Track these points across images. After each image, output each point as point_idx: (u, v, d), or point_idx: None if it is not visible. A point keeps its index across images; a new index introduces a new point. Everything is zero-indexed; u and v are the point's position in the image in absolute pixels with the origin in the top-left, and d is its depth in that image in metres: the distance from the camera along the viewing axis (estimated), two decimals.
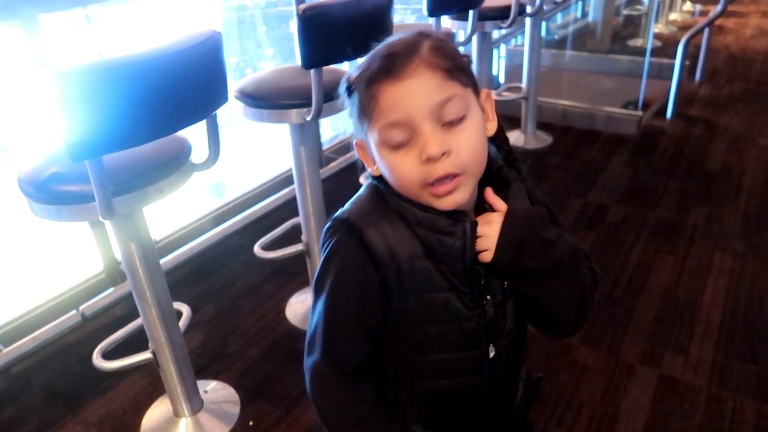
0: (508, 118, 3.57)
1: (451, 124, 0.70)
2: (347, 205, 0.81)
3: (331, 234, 0.79)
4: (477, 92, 0.75)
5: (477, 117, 0.73)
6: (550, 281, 0.77)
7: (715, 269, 2.20)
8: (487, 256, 0.76)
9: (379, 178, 0.79)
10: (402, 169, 0.71)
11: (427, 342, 0.81)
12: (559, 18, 5.37)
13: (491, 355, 0.83)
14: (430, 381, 0.85)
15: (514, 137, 3.39)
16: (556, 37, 5.19)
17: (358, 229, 0.76)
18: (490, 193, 0.79)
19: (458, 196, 0.73)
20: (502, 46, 4.54)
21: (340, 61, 1.50)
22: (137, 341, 1.68)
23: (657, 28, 5.34)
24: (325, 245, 0.80)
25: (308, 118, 1.60)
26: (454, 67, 0.71)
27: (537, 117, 3.41)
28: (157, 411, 1.75)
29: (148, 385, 1.85)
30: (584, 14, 5.46)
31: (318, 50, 1.44)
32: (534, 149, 3.30)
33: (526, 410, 0.97)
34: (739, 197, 2.68)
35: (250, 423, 1.70)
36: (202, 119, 1.21)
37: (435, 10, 1.96)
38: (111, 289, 2.06)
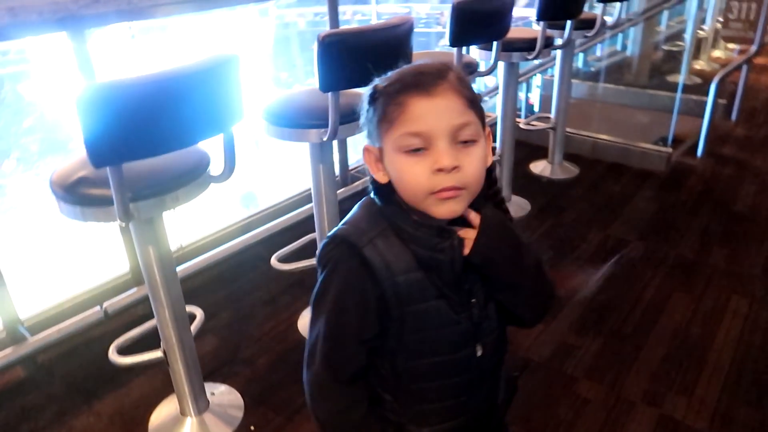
0: (537, 147, 3.59)
1: (464, 144, 0.78)
2: (343, 223, 0.87)
3: (329, 251, 0.86)
4: (483, 128, 0.83)
5: (483, 146, 0.82)
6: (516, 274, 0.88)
7: (730, 312, 2.16)
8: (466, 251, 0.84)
9: (378, 194, 0.86)
10: (412, 175, 0.78)
11: (423, 347, 0.88)
12: (598, 50, 5.37)
13: (479, 353, 0.90)
14: (427, 382, 0.91)
15: (541, 167, 3.40)
16: (592, 69, 5.19)
17: (357, 247, 0.83)
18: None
19: (457, 207, 0.80)
20: (538, 75, 4.57)
21: (357, 86, 1.57)
22: (153, 340, 1.77)
23: (698, 64, 5.28)
24: (324, 262, 0.86)
25: (324, 139, 1.67)
26: (473, 99, 0.81)
27: (566, 148, 3.43)
28: (166, 409, 1.83)
29: (160, 383, 1.92)
30: (624, 48, 5.44)
31: (335, 75, 1.51)
32: (559, 179, 3.31)
33: (506, 408, 1.04)
34: (765, 241, 2.63)
35: (252, 428, 1.76)
36: (217, 134, 1.30)
37: (458, 41, 2.02)
38: (134, 289, 2.16)
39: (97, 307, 2.03)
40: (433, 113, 0.76)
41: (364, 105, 0.84)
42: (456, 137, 0.77)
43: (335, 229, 0.87)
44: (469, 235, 0.84)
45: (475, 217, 0.85)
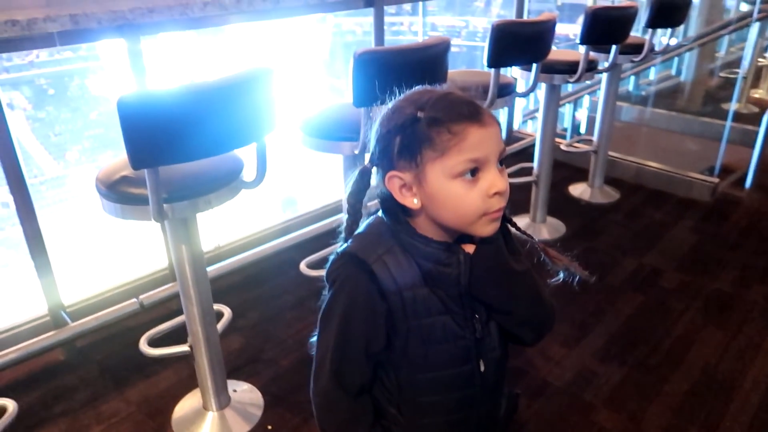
0: (578, 169, 3.56)
1: (502, 168, 0.84)
2: (353, 240, 0.91)
3: (338, 267, 0.90)
4: None
5: None
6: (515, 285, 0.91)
7: (764, 351, 2.09)
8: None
9: (386, 213, 0.90)
10: (470, 199, 0.81)
11: (428, 361, 0.92)
12: (652, 73, 5.26)
13: (482, 369, 0.94)
14: (431, 395, 0.95)
15: (580, 190, 3.37)
16: (643, 93, 5.08)
17: (366, 263, 0.87)
18: None
19: (498, 224, 0.85)
20: (586, 97, 4.52)
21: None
22: (183, 334, 1.85)
23: (758, 93, 5.11)
24: (333, 278, 0.90)
25: (356, 152, 1.72)
26: None
27: (608, 172, 3.38)
28: (189, 402, 1.90)
29: (186, 376, 2.00)
30: (679, 72, 5.31)
31: (368, 92, 1.56)
32: (598, 203, 3.26)
33: (507, 425, 1.07)
34: None
35: (269, 427, 1.81)
36: (250, 143, 1.36)
37: (496, 63, 2.04)
38: (170, 284, 2.26)
39: (134, 299, 2.14)
40: (488, 141, 0.81)
41: (391, 133, 0.83)
42: (499, 160, 0.83)
43: (344, 245, 0.91)
44: (468, 250, 0.88)
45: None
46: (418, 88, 0.87)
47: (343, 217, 0.92)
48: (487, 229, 0.84)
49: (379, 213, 0.92)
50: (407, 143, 0.82)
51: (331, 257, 0.91)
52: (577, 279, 0.96)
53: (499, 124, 0.84)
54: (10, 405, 1.73)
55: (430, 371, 0.93)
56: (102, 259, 2.70)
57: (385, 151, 0.85)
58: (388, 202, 0.89)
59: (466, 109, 0.81)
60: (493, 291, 0.89)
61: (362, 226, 0.93)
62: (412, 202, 0.85)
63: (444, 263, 0.87)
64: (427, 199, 0.84)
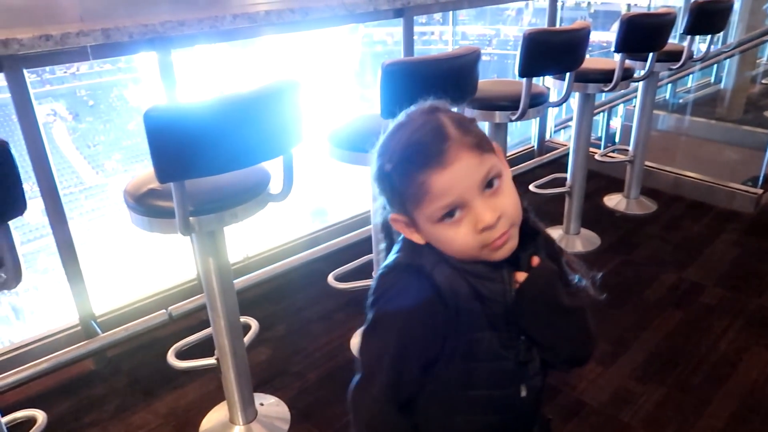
0: (613, 179, 3.47)
1: (493, 189, 0.77)
2: (400, 252, 0.87)
3: (393, 276, 0.85)
4: (492, 149, 0.80)
5: (506, 172, 0.80)
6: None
7: None
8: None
9: None
10: (460, 240, 0.78)
11: (468, 378, 0.87)
12: (690, 81, 5.12)
13: (523, 394, 0.89)
14: (467, 416, 0.90)
15: (616, 200, 3.27)
16: (680, 101, 4.95)
17: (426, 270, 0.82)
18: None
19: (512, 244, 0.80)
20: (621, 106, 4.42)
21: None
22: (211, 346, 1.84)
23: None
24: (386, 287, 0.85)
25: None
26: (479, 139, 0.78)
27: (645, 182, 3.28)
28: (216, 415, 1.89)
29: (214, 389, 2.00)
30: (719, 80, 5.16)
31: (396, 102, 1.53)
32: (634, 215, 3.16)
33: None
34: None
35: None
36: (276, 156, 1.35)
37: (528, 72, 1.99)
38: (199, 295, 2.26)
39: (163, 310, 2.14)
40: (457, 182, 0.75)
41: (375, 182, 0.83)
42: (484, 187, 0.77)
43: (392, 259, 0.87)
44: (519, 279, 0.83)
45: (535, 261, 0.84)
46: (400, 117, 0.83)
47: (381, 246, 0.92)
48: (497, 255, 0.80)
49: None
50: (389, 194, 0.82)
51: (380, 271, 0.87)
52: (597, 280, 0.90)
53: (471, 144, 0.76)
54: (40, 416, 1.74)
55: (468, 389, 0.88)
56: (134, 268, 2.73)
57: (381, 193, 0.84)
58: None
59: (427, 152, 0.75)
60: (537, 326, 0.84)
61: (397, 245, 0.89)
62: (420, 239, 0.83)
63: (487, 277, 0.82)
64: (428, 239, 0.83)
